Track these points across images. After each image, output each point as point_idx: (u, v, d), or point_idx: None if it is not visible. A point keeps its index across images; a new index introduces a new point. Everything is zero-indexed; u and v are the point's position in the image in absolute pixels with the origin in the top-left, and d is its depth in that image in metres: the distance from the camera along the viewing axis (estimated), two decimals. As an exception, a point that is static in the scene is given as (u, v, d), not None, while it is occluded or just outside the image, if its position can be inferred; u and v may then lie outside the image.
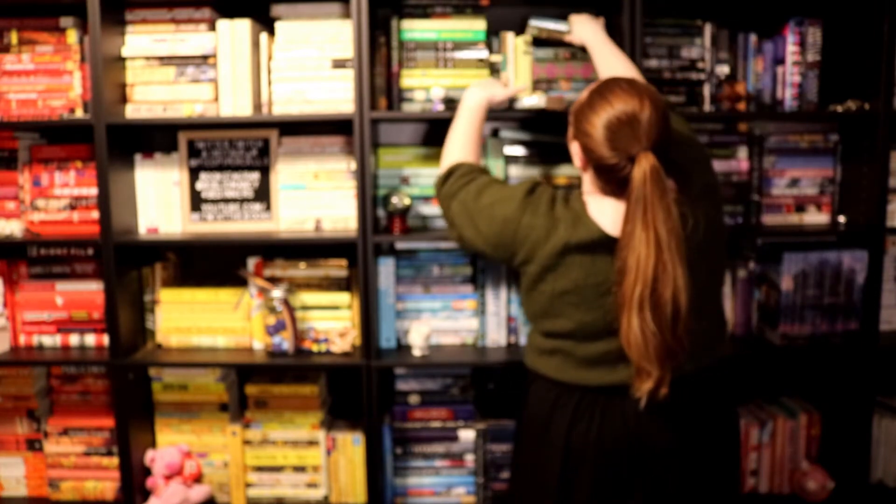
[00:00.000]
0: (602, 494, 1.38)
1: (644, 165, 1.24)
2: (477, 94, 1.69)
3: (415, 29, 1.96)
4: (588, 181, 1.39)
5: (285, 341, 1.99)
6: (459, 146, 1.63)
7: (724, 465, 1.46)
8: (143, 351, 2.08)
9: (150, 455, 2.08)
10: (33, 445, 2.15)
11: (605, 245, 1.32)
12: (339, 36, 1.94)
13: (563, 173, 2.02)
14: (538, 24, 1.92)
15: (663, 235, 1.22)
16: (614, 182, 1.30)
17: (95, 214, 2.01)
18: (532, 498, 1.47)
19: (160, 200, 2.08)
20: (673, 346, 1.24)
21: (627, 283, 1.24)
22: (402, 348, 2.07)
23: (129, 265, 2.03)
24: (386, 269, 2.03)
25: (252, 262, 2.07)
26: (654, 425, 1.35)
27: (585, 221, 1.34)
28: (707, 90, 2.01)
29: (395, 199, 1.96)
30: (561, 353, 1.41)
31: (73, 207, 2.04)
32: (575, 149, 1.39)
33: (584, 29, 1.85)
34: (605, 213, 1.34)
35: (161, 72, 1.97)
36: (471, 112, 1.67)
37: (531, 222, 1.38)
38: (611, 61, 1.72)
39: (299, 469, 2.11)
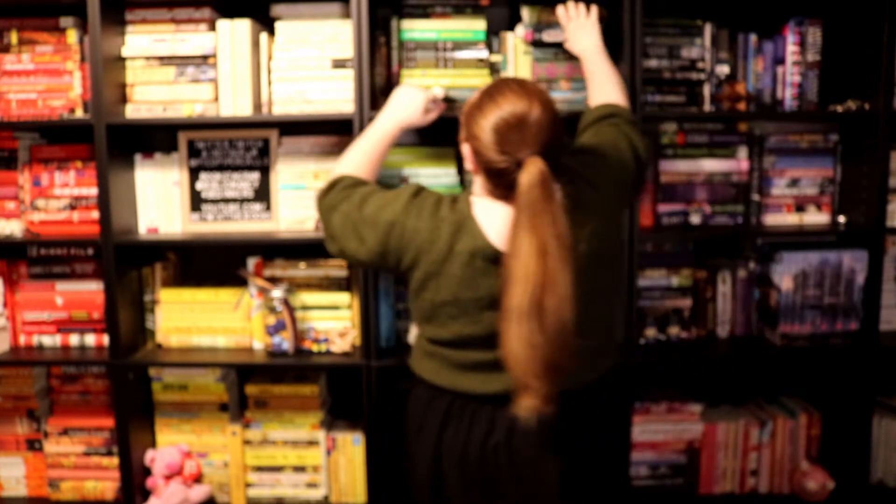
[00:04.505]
0: (470, 499, 1.38)
1: (532, 170, 1.20)
2: (394, 118, 1.62)
3: (415, 29, 1.96)
4: (479, 184, 1.35)
5: (285, 341, 1.99)
6: (355, 163, 1.57)
7: (602, 478, 1.43)
8: (143, 351, 2.08)
9: (150, 455, 2.08)
10: (33, 445, 2.15)
11: (487, 257, 1.29)
12: (339, 36, 1.94)
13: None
14: (535, 37, 1.90)
15: (550, 242, 1.17)
16: (504, 186, 1.27)
17: (95, 214, 2.01)
18: (413, 497, 1.47)
19: (160, 200, 2.08)
20: (558, 360, 1.17)
21: (513, 291, 1.18)
22: (403, 348, 2.07)
23: (129, 265, 2.03)
24: (386, 269, 2.03)
25: (252, 262, 2.07)
26: (524, 437, 1.32)
27: (469, 227, 1.31)
28: (707, 90, 2.01)
29: (394, 199, 1.96)
30: (438, 357, 1.41)
31: (73, 207, 2.04)
32: (466, 151, 1.35)
33: (582, 40, 1.76)
34: (494, 219, 1.31)
35: (161, 72, 1.97)
36: (382, 134, 1.60)
37: (416, 225, 1.34)
38: (598, 77, 1.68)
39: (299, 469, 2.11)
